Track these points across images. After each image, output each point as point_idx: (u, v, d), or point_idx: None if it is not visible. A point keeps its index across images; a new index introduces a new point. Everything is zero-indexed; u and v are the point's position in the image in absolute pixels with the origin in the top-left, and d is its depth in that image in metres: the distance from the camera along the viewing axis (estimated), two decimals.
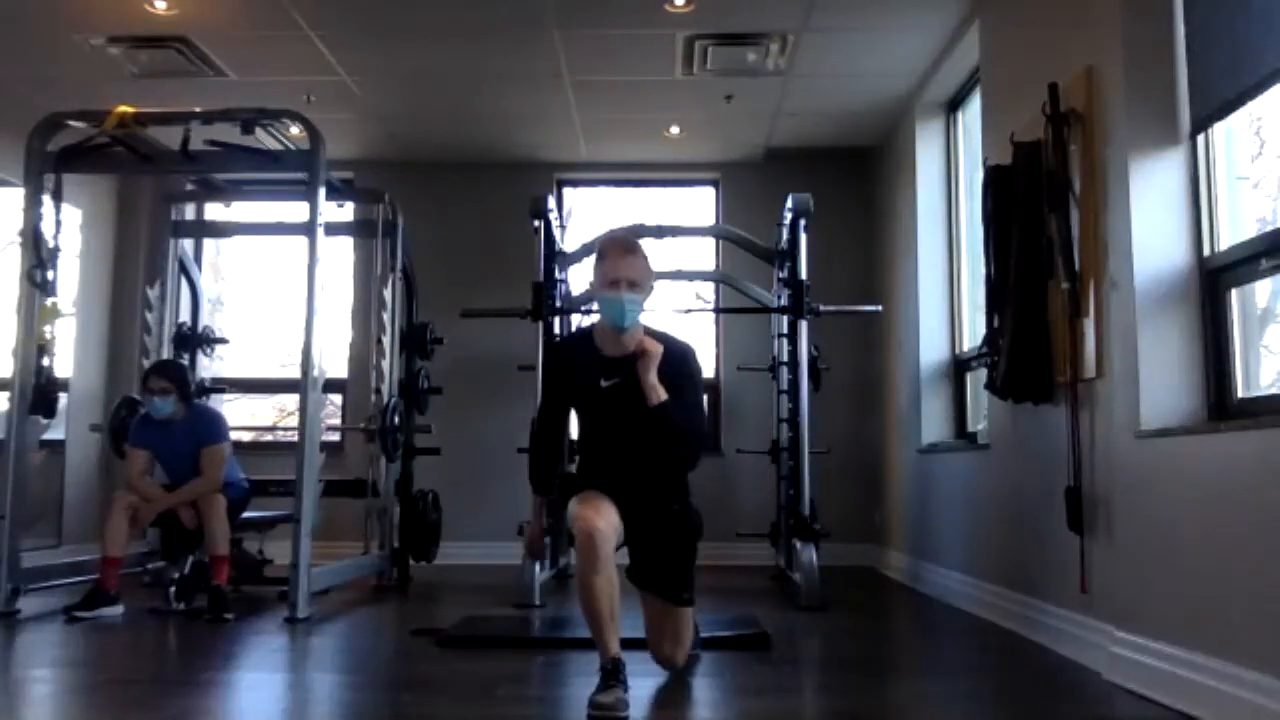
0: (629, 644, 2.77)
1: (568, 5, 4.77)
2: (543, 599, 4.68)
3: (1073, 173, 3.40)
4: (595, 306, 3.05)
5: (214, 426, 4.66)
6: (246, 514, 4.87)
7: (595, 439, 3.09)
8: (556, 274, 5.64)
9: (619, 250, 2.95)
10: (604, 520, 2.76)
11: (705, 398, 3.19)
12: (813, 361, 5.31)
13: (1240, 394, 2.84)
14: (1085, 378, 3.32)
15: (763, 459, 6.14)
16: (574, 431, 3.43)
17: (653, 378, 2.86)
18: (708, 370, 6.76)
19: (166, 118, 4.70)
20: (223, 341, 6.05)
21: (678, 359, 2.98)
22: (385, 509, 5.58)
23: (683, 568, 3.01)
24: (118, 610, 4.30)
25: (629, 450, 2.98)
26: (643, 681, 2.82)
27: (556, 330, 5.73)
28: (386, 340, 5.52)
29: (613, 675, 2.64)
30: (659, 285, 3.06)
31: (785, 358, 5.59)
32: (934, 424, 5.52)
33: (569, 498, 2.96)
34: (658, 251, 6.22)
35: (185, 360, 5.62)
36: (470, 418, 6.63)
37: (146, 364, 5.40)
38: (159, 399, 4.53)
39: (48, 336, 4.54)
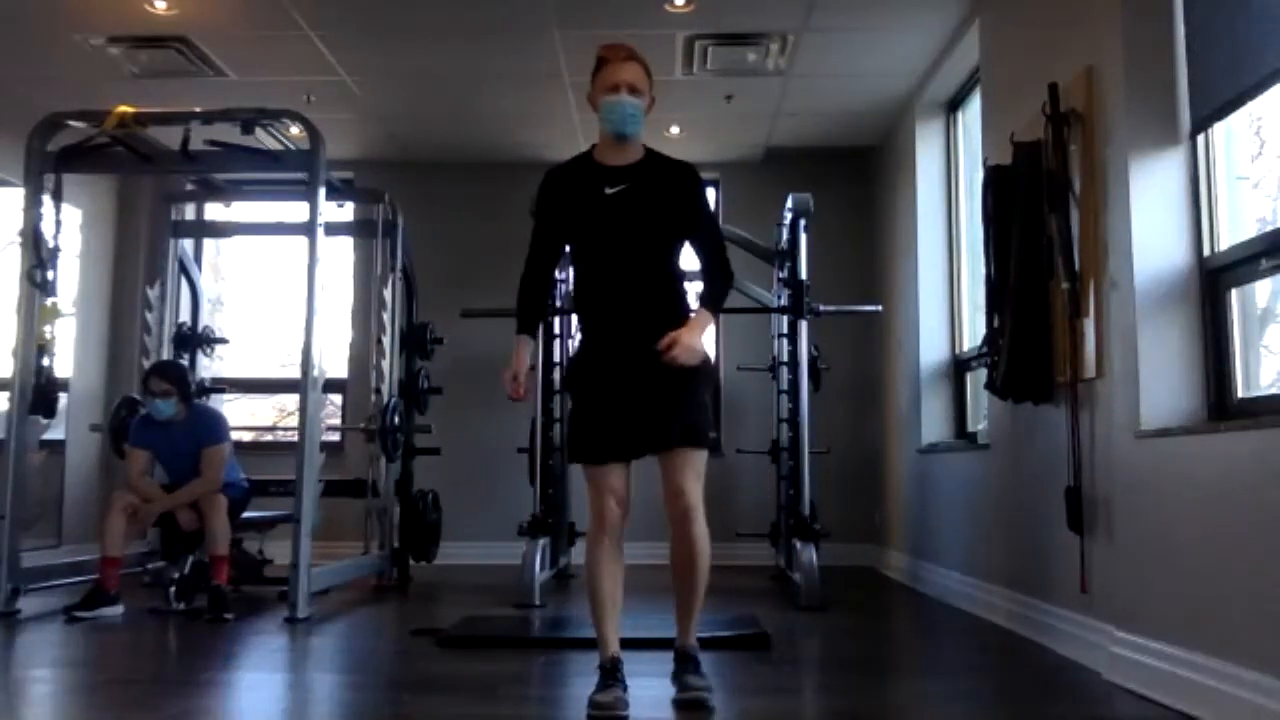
0: (628, 644, 2.77)
1: (568, 5, 4.77)
2: (543, 599, 4.68)
3: (1073, 173, 3.40)
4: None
5: (214, 427, 4.66)
6: (246, 514, 4.88)
7: (598, 264, 2.82)
8: (557, 274, 5.64)
9: (619, 55, 2.80)
10: (619, 504, 2.71)
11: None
12: (813, 361, 5.31)
13: (1240, 394, 2.84)
14: (1085, 378, 3.32)
15: (763, 459, 6.14)
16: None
17: (695, 342, 2.70)
18: None
19: (166, 118, 4.70)
20: (223, 341, 6.05)
21: (686, 178, 2.83)
22: (385, 509, 5.58)
23: (702, 410, 2.80)
24: (118, 610, 4.30)
25: (635, 269, 2.78)
26: (643, 681, 2.82)
27: (556, 330, 5.74)
28: (386, 340, 5.52)
29: (611, 674, 2.63)
30: None
31: (785, 358, 5.59)
32: (934, 424, 5.53)
33: (575, 390, 2.85)
34: None
35: (185, 360, 5.63)
36: (470, 418, 6.63)
37: (146, 364, 5.40)
38: (161, 401, 4.53)
39: (48, 336, 4.54)
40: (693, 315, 2.78)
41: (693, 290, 2.94)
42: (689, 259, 2.91)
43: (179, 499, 4.48)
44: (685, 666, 2.76)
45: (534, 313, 2.95)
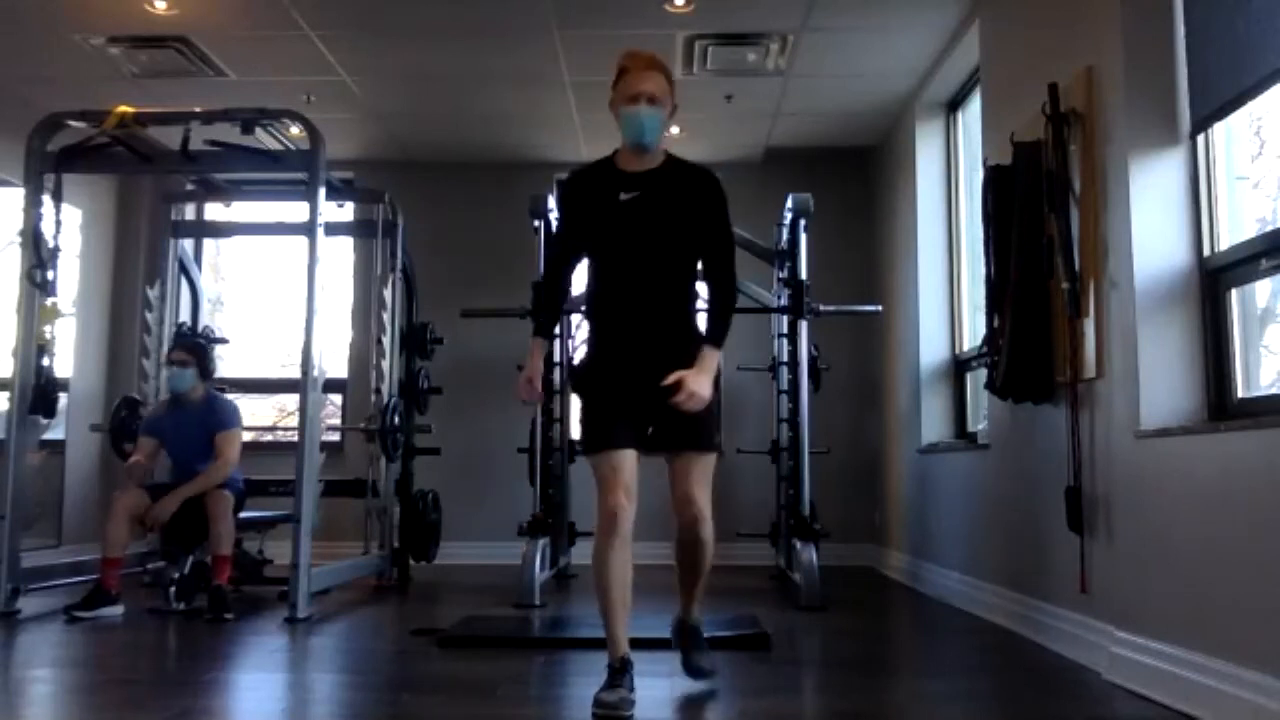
0: (636, 644, 2.77)
1: (568, 5, 4.77)
2: (543, 599, 4.68)
3: (1073, 173, 3.41)
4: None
5: (228, 413, 4.69)
6: (246, 514, 4.87)
7: (610, 270, 2.85)
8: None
9: (640, 65, 2.81)
10: (629, 499, 2.70)
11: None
12: (813, 361, 5.31)
13: (1240, 394, 2.84)
14: (1085, 378, 3.32)
15: (763, 459, 6.14)
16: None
17: (703, 388, 2.72)
18: None
19: (166, 118, 4.70)
20: (223, 341, 6.05)
21: (705, 186, 2.84)
22: (385, 509, 5.58)
23: (709, 416, 2.81)
24: (118, 610, 4.30)
25: (647, 276, 2.81)
26: (644, 681, 2.81)
27: (556, 330, 5.74)
28: (386, 340, 5.52)
29: (620, 674, 2.64)
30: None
31: (785, 358, 5.59)
32: (934, 424, 5.52)
33: (583, 391, 2.86)
34: None
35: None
36: (470, 418, 6.63)
37: (147, 364, 5.45)
38: (177, 368, 4.58)
39: (48, 336, 4.54)
40: (700, 354, 2.76)
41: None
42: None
43: (189, 491, 4.42)
44: (693, 641, 2.89)
45: (551, 316, 3.01)
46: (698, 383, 2.70)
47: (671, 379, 2.68)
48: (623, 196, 2.81)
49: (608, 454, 2.73)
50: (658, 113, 2.79)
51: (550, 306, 3.00)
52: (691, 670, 2.94)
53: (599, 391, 2.84)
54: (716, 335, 2.84)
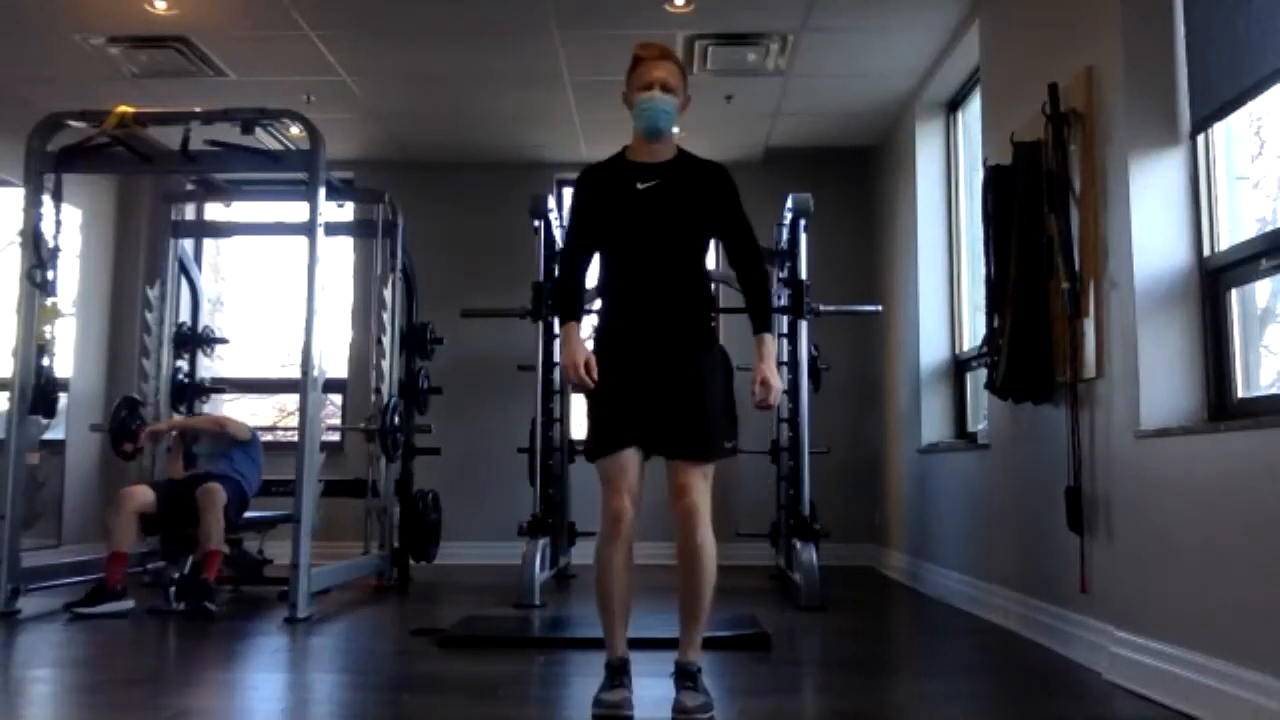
0: (635, 644, 2.77)
1: (568, 5, 4.77)
2: (543, 599, 4.68)
3: (1073, 173, 3.41)
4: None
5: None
6: (247, 514, 4.87)
7: (627, 258, 2.83)
8: (556, 274, 5.64)
9: (653, 54, 2.83)
10: (633, 503, 2.69)
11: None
12: (813, 361, 5.31)
13: (1240, 394, 2.85)
14: (1085, 378, 3.32)
15: (763, 459, 6.13)
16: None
17: (776, 379, 2.85)
18: None
19: (166, 118, 4.70)
20: (223, 341, 6.05)
21: (718, 179, 2.85)
22: (385, 509, 5.58)
23: (723, 418, 2.84)
24: (127, 605, 4.30)
25: (664, 263, 2.81)
26: (645, 681, 2.81)
27: (556, 330, 5.73)
28: (386, 340, 5.52)
29: (619, 674, 2.63)
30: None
31: (785, 358, 5.59)
32: (934, 424, 5.52)
33: (595, 385, 2.78)
34: None
35: (185, 359, 5.64)
36: (470, 418, 6.63)
37: (146, 364, 5.45)
38: None
39: (48, 336, 4.54)
40: (761, 345, 2.86)
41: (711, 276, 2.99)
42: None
43: (181, 419, 4.93)
44: (682, 683, 2.62)
45: (576, 302, 2.90)
46: (772, 374, 2.82)
47: (757, 384, 2.80)
48: (640, 186, 2.80)
49: (613, 457, 2.71)
50: (672, 100, 2.80)
51: (574, 294, 2.90)
52: (677, 709, 2.56)
53: (607, 391, 2.79)
54: (767, 322, 2.91)
